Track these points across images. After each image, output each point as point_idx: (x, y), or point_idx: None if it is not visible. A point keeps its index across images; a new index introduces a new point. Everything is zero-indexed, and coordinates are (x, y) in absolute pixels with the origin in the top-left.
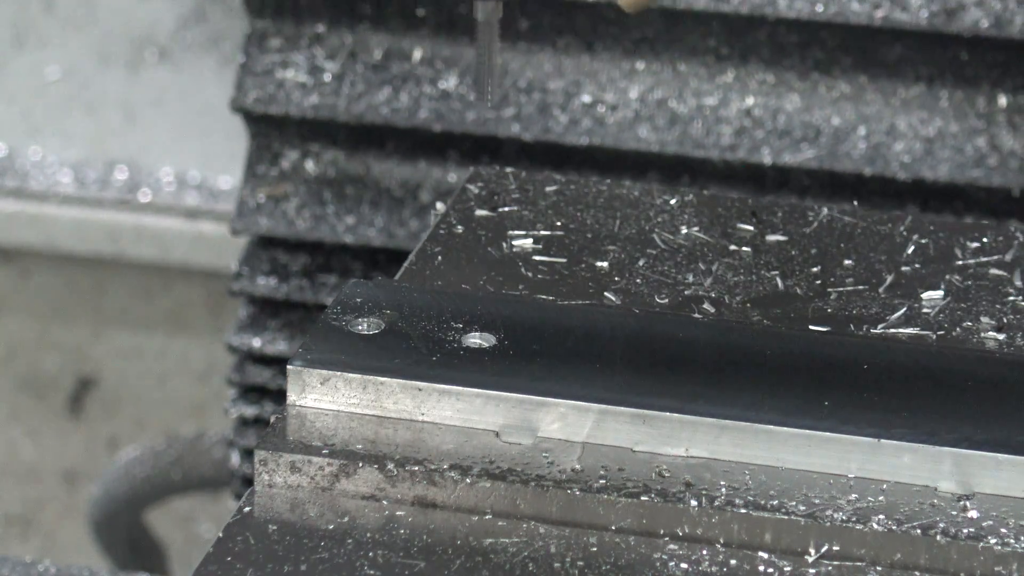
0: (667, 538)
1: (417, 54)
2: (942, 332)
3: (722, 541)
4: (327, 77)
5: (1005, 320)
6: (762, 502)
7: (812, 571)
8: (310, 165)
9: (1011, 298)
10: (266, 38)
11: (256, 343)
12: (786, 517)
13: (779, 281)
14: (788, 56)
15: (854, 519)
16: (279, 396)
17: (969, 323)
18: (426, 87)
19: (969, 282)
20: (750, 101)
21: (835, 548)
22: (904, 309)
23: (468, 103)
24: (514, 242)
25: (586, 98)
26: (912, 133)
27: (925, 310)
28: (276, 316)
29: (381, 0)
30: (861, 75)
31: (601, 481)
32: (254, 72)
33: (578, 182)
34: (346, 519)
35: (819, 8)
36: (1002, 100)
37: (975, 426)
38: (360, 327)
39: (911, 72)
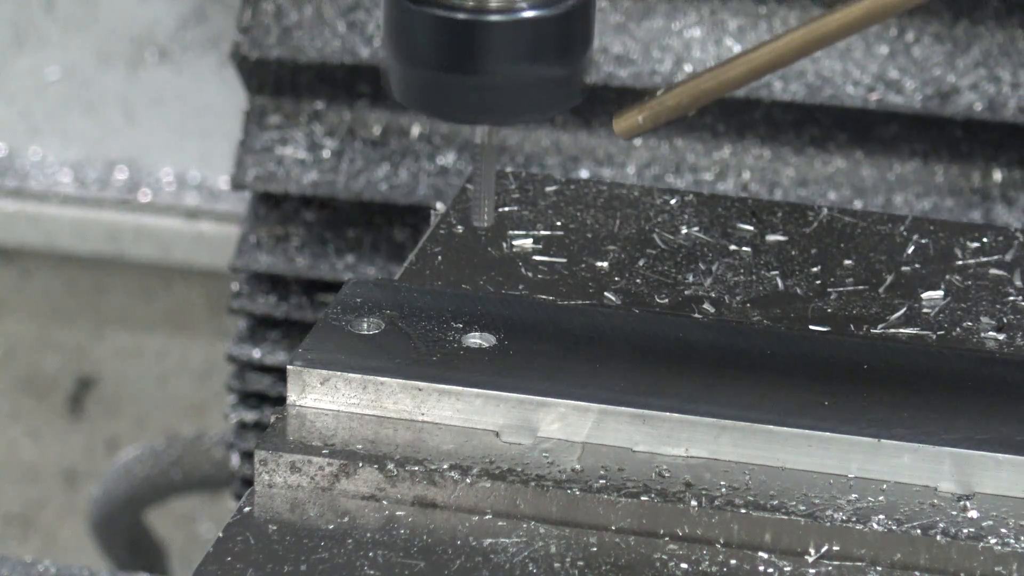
0: (667, 538)
1: (415, 130)
2: (942, 332)
3: (722, 541)
4: (326, 154)
5: (1005, 320)
6: (762, 502)
7: (812, 571)
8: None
9: (1011, 298)
10: (265, 115)
11: (256, 354)
12: (786, 517)
13: (779, 281)
14: (784, 132)
15: (854, 519)
16: (279, 403)
17: (969, 323)
18: (424, 163)
19: (969, 282)
20: (746, 176)
21: (835, 548)
22: (904, 309)
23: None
24: (514, 242)
25: (584, 173)
26: (908, 208)
27: (925, 310)
28: (276, 327)
29: (379, 77)
30: (857, 151)
31: (601, 481)
32: (253, 150)
33: (578, 182)
34: (346, 519)
35: (814, 91)
36: (997, 175)
37: (975, 426)
38: (360, 327)
39: (906, 148)
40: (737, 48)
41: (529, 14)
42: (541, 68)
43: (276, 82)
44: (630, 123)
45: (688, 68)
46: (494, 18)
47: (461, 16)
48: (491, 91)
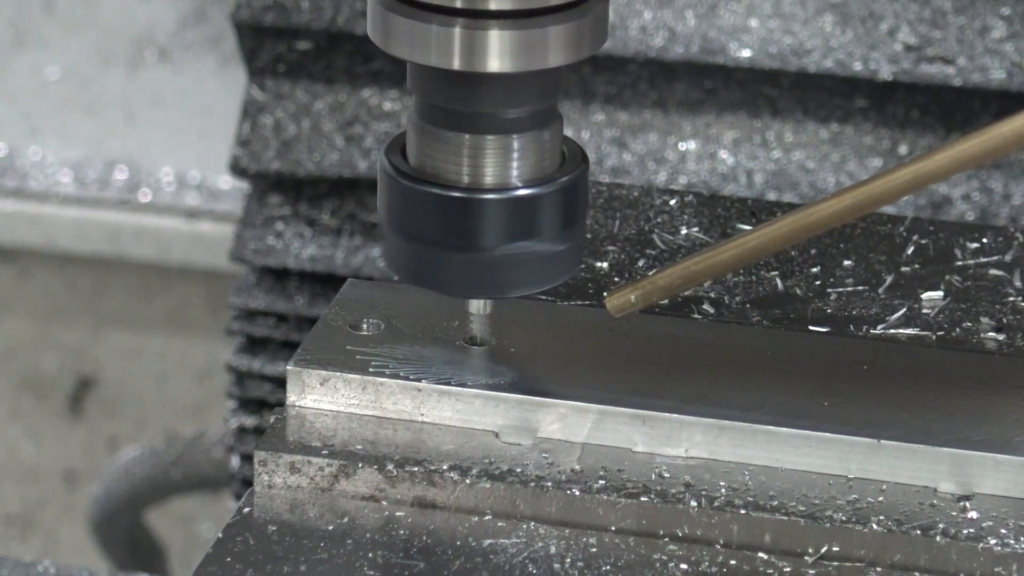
0: (667, 539)
1: None
2: (942, 333)
3: (722, 542)
4: (325, 231)
5: (1005, 320)
6: (762, 503)
7: (812, 572)
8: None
9: (1011, 298)
10: (266, 195)
11: (256, 365)
12: (786, 518)
13: (779, 282)
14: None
15: (854, 519)
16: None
17: (969, 324)
18: None
19: (969, 282)
20: None
21: (835, 549)
22: (904, 310)
23: None
24: None
25: None
26: None
27: (925, 311)
28: (275, 343)
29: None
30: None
31: (601, 482)
32: (253, 225)
33: None
34: (346, 520)
35: (806, 200)
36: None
37: (975, 427)
38: (360, 327)
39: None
40: (731, 161)
41: (525, 192)
42: (537, 244)
43: (277, 184)
44: (622, 301)
45: (683, 180)
46: (489, 196)
47: (456, 194)
48: (487, 267)
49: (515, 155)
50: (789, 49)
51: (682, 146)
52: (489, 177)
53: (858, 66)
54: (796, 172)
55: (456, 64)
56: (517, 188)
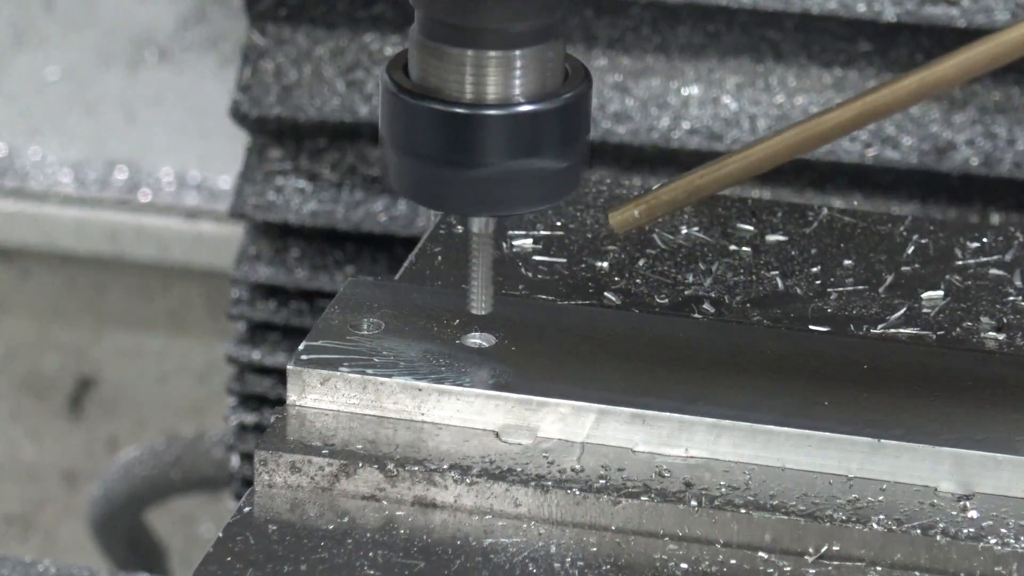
0: (667, 538)
1: None
2: (942, 332)
3: (722, 541)
4: (326, 186)
5: (1005, 320)
6: (762, 502)
7: (812, 571)
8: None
9: (1011, 298)
10: (266, 148)
11: (256, 355)
12: (786, 517)
13: (779, 281)
14: (783, 175)
15: (854, 519)
16: (278, 404)
17: (969, 323)
18: None
19: (969, 282)
20: None
21: (835, 548)
22: (904, 309)
23: None
24: (514, 242)
25: None
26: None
27: (925, 310)
28: (275, 329)
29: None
30: (856, 193)
31: (601, 481)
32: (253, 180)
33: None
34: (346, 519)
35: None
36: (994, 218)
37: (975, 426)
38: (360, 327)
39: (905, 192)
40: (734, 106)
41: (527, 108)
42: (539, 161)
43: (277, 132)
44: (626, 216)
45: (686, 125)
46: (492, 112)
47: (459, 110)
48: (489, 184)
49: (517, 71)
50: None
51: (685, 91)
52: (491, 93)
53: (862, 7)
54: (800, 117)
55: None
56: (520, 104)
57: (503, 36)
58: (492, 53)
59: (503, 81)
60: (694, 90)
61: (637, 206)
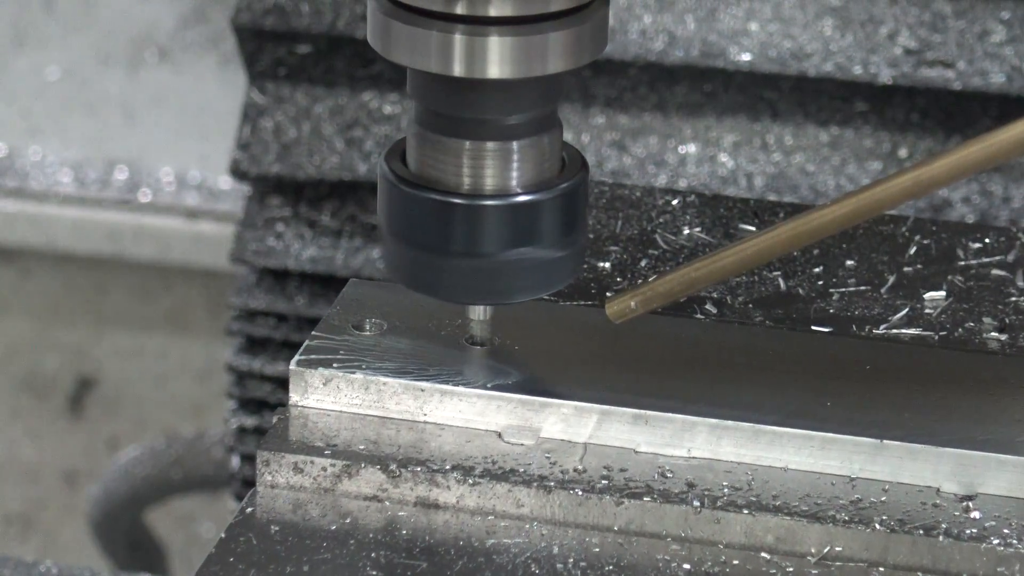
0: (669, 539)
1: None
2: (944, 333)
3: (724, 542)
4: (325, 232)
5: (1007, 321)
6: (764, 503)
7: (814, 572)
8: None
9: (1013, 299)
10: (266, 196)
11: (256, 365)
12: (788, 518)
13: (781, 282)
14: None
15: (856, 520)
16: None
17: (971, 324)
18: None
19: (971, 283)
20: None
21: (837, 549)
22: (906, 310)
23: None
24: None
25: None
26: None
27: (927, 311)
28: (275, 343)
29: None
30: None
31: (603, 482)
32: (254, 226)
33: None
34: (348, 520)
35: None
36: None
37: (978, 427)
38: (362, 328)
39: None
40: (731, 164)
41: (525, 198)
42: (537, 250)
43: (277, 187)
44: (622, 307)
45: (683, 183)
46: (489, 202)
47: (456, 200)
48: (486, 273)
49: (515, 161)
50: (789, 53)
51: (682, 149)
52: (489, 183)
53: (858, 70)
54: (796, 175)
55: (456, 71)
56: (517, 194)
57: (501, 127)
58: (490, 144)
59: (501, 171)
60: (691, 148)
61: (633, 297)
